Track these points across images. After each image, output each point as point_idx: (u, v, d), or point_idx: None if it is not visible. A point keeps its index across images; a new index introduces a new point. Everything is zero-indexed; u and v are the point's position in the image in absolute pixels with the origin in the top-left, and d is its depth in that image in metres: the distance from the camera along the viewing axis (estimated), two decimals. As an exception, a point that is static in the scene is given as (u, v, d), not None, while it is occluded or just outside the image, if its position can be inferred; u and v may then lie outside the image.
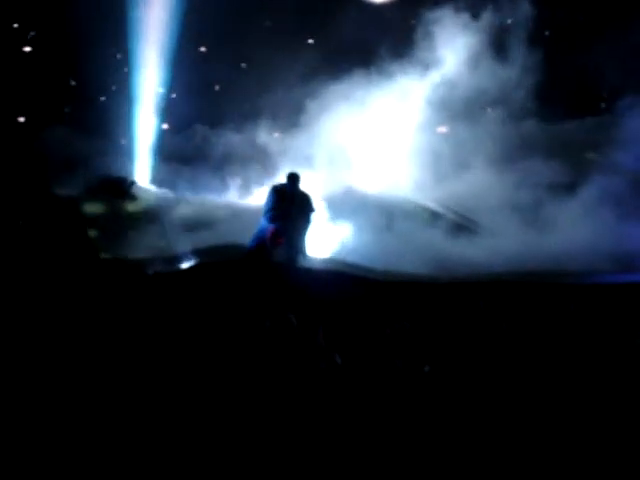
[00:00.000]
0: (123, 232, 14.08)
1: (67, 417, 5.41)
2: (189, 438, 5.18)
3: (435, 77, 17.06)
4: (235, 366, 6.25)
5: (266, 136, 18.35)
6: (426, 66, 17.02)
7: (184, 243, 12.42)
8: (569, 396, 5.90)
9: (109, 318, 7.25)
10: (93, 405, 5.58)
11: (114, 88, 19.53)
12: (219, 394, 5.81)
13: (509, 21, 17.73)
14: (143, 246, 13.34)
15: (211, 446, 5.12)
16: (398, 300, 8.14)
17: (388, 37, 17.82)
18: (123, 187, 16.56)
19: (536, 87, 17.22)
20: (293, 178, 11.02)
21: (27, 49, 21.69)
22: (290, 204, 10.74)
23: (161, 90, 19.16)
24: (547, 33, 20.65)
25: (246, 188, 16.83)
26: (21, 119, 20.95)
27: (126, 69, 18.40)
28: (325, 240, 12.99)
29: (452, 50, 16.96)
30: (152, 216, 15.13)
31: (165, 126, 19.33)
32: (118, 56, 19.97)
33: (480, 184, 15.79)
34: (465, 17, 16.93)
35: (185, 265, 11.02)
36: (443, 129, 18.28)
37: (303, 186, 11.15)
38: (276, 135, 18.54)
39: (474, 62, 16.87)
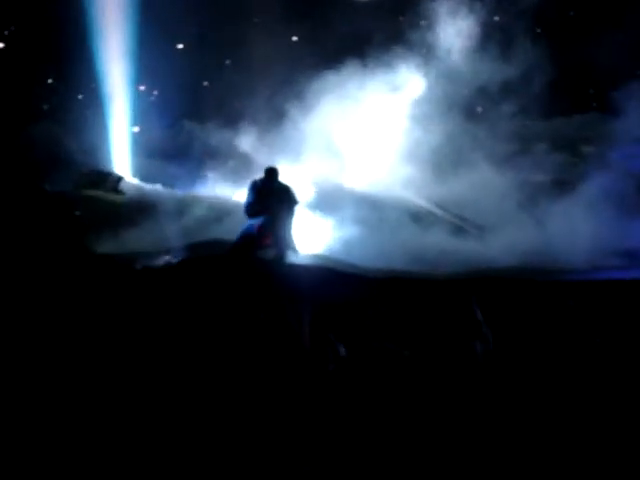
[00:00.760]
0: (112, 227, 14.04)
1: (60, 409, 5.56)
2: (181, 428, 5.21)
3: (425, 74, 17.08)
4: (222, 358, 6.30)
5: (253, 132, 18.29)
6: (417, 63, 17.03)
7: (173, 238, 12.43)
8: (569, 393, 5.88)
9: (99, 312, 7.33)
10: (84, 395, 5.68)
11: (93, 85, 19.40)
12: (208, 384, 5.87)
13: (497, 18, 17.76)
14: (132, 241, 13.36)
15: (204, 436, 5.15)
16: (385, 296, 8.11)
17: (379, 29, 17.81)
18: (111, 182, 16.67)
19: (529, 83, 17.20)
20: (271, 172, 11.15)
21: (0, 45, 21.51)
22: (269, 198, 10.85)
23: (142, 88, 19.11)
24: (539, 30, 20.61)
25: (233, 183, 16.75)
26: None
27: (103, 67, 18.25)
28: (313, 236, 12.98)
29: (443, 47, 16.96)
30: (141, 211, 15.10)
31: (136, 129, 19.22)
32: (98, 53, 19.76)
33: (475, 180, 15.78)
34: (456, 14, 16.92)
35: (173, 260, 11.02)
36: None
37: (283, 179, 11.29)
38: (262, 131, 18.47)
39: (465, 59, 16.88)
